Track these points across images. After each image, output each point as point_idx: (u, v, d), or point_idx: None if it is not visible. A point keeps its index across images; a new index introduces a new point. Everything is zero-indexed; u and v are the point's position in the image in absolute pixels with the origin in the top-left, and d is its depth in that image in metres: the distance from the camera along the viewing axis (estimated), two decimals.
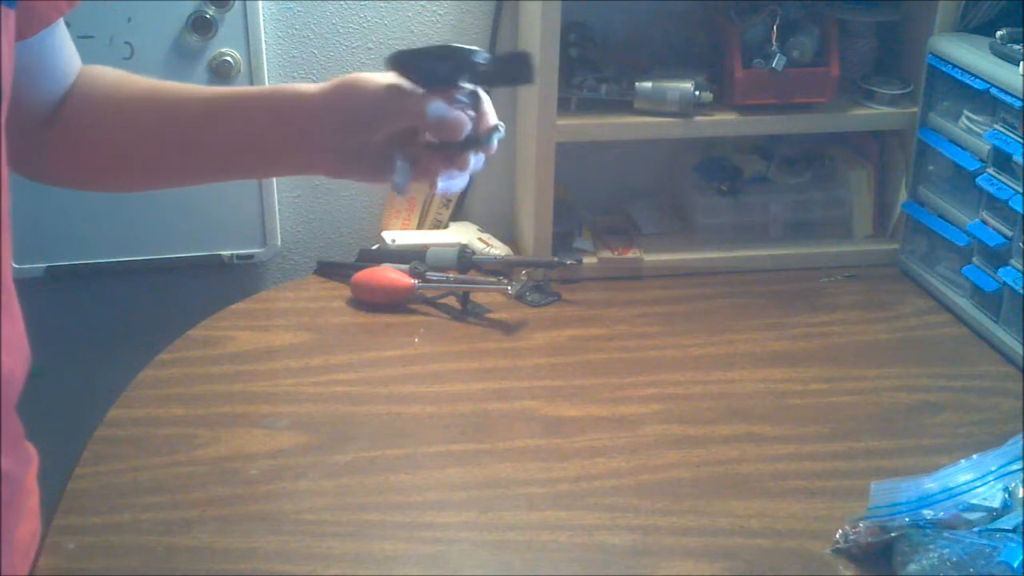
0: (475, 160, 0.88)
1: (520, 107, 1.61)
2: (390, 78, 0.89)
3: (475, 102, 0.88)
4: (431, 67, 0.87)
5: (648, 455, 1.18)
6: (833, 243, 1.62)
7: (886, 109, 1.55)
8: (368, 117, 0.88)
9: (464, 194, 1.66)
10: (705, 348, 1.39)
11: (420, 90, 0.87)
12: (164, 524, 1.06)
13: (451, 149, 0.87)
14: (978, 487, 1.01)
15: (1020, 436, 1.05)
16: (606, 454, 1.18)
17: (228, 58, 1.53)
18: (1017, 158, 1.31)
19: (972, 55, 1.41)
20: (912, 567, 0.97)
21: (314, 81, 1.60)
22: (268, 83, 1.57)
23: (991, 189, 1.36)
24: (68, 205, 1.53)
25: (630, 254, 1.57)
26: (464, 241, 1.56)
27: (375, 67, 1.61)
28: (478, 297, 1.47)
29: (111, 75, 0.95)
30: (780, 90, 1.50)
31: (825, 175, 1.65)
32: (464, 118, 0.86)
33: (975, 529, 0.98)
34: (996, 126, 1.36)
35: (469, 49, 0.87)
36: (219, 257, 1.63)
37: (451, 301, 1.47)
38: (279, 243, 1.65)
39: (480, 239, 1.59)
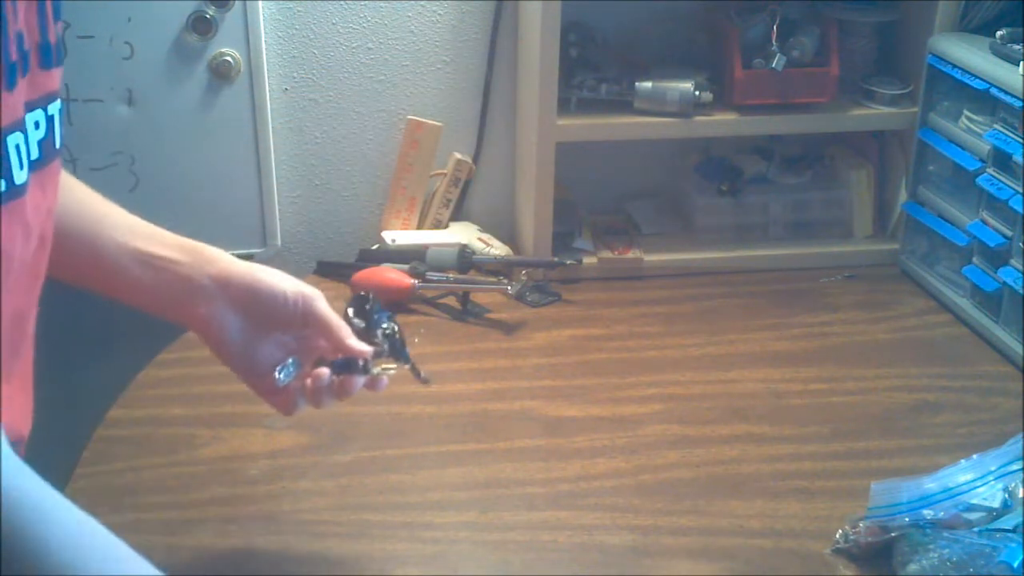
0: (356, 386, 0.95)
1: (520, 107, 1.61)
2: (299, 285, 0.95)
3: (392, 343, 0.98)
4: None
5: (648, 455, 1.18)
6: (833, 243, 1.62)
7: (886, 109, 1.55)
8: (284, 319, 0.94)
9: (464, 194, 1.66)
10: (705, 348, 1.39)
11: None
12: (165, 524, 1.06)
13: (346, 371, 0.94)
14: (978, 487, 1.01)
15: (1020, 436, 1.05)
16: (606, 454, 1.18)
17: (228, 58, 1.53)
18: (1017, 158, 1.31)
19: (972, 55, 1.41)
20: (912, 567, 0.97)
21: (314, 81, 1.60)
22: (268, 83, 1.57)
23: (991, 189, 1.36)
24: None
25: (630, 254, 1.57)
26: (464, 241, 1.56)
27: (375, 67, 1.61)
28: (478, 297, 1.47)
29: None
30: (780, 90, 1.50)
31: (825, 175, 1.65)
32: (369, 352, 0.95)
33: (975, 529, 0.98)
34: (996, 126, 1.36)
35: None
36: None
37: (451, 301, 1.47)
38: (279, 243, 1.65)
39: (480, 239, 1.59)
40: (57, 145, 0.74)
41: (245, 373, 0.96)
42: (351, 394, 0.95)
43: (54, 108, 0.73)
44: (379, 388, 0.97)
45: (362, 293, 0.99)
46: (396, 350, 0.97)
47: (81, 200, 0.90)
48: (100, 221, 0.90)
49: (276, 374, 0.93)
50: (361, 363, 0.94)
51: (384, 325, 0.97)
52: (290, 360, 0.94)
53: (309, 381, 0.94)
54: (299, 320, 0.93)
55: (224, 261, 0.92)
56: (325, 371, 0.94)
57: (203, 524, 1.06)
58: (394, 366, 0.97)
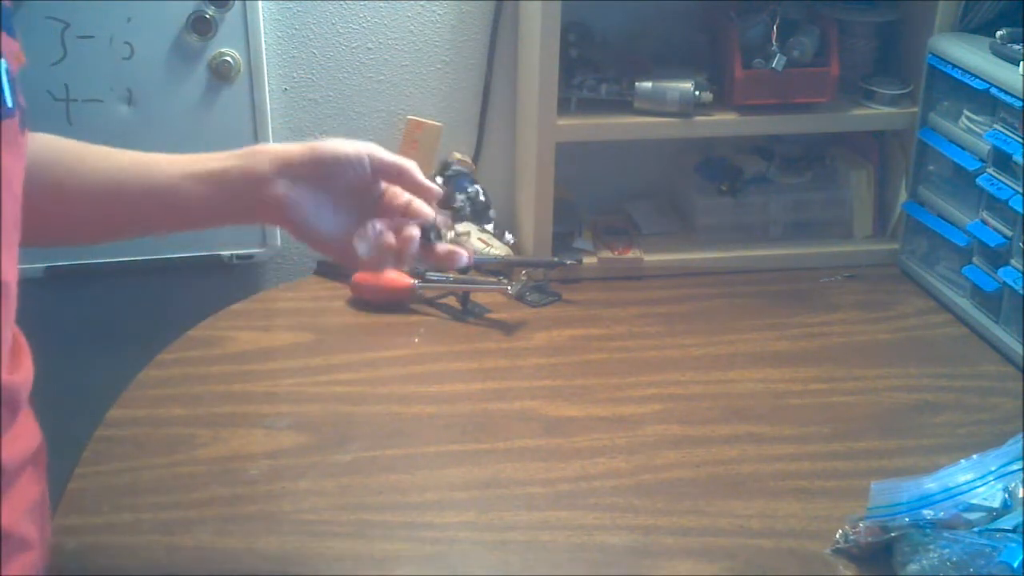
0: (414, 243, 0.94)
1: (520, 107, 1.61)
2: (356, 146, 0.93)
3: (474, 206, 0.95)
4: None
5: (648, 455, 1.18)
6: (833, 243, 1.62)
7: (886, 109, 1.55)
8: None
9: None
10: (705, 348, 1.39)
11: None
12: (164, 524, 1.06)
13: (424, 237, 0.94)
14: (978, 487, 1.01)
15: (1020, 436, 1.05)
16: (606, 454, 1.18)
17: (228, 58, 1.53)
18: (1017, 158, 1.31)
19: (972, 55, 1.41)
20: (912, 567, 0.97)
21: (314, 81, 1.60)
22: (268, 83, 1.57)
23: (991, 189, 1.36)
24: None
25: (630, 254, 1.57)
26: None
27: (375, 67, 1.61)
28: (478, 297, 1.47)
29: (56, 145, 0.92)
30: (780, 90, 1.50)
31: (825, 175, 1.65)
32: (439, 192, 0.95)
33: (975, 529, 0.98)
34: (996, 126, 1.36)
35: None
36: (219, 257, 1.63)
37: (451, 301, 1.47)
38: (279, 243, 1.65)
39: (480, 239, 1.59)
40: (9, 104, 0.74)
41: (327, 247, 0.95)
42: (434, 260, 0.95)
43: None
44: (458, 263, 0.96)
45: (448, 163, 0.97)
46: (478, 212, 0.96)
47: (109, 154, 0.91)
48: (144, 164, 0.91)
49: (357, 246, 0.92)
50: (433, 227, 0.93)
51: (468, 188, 0.95)
52: (369, 227, 0.92)
53: (394, 240, 0.93)
54: (366, 174, 0.92)
55: (277, 147, 0.92)
56: (415, 231, 0.92)
57: (203, 524, 1.06)
58: (471, 230, 0.95)
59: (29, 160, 0.81)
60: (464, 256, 0.97)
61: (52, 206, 0.89)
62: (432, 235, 0.94)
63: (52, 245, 1.03)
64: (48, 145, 0.91)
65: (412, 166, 0.94)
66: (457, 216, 0.93)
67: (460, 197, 0.95)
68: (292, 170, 0.91)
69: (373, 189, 0.95)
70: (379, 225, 0.93)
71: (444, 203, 0.93)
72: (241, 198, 0.91)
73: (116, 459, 1.15)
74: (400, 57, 1.61)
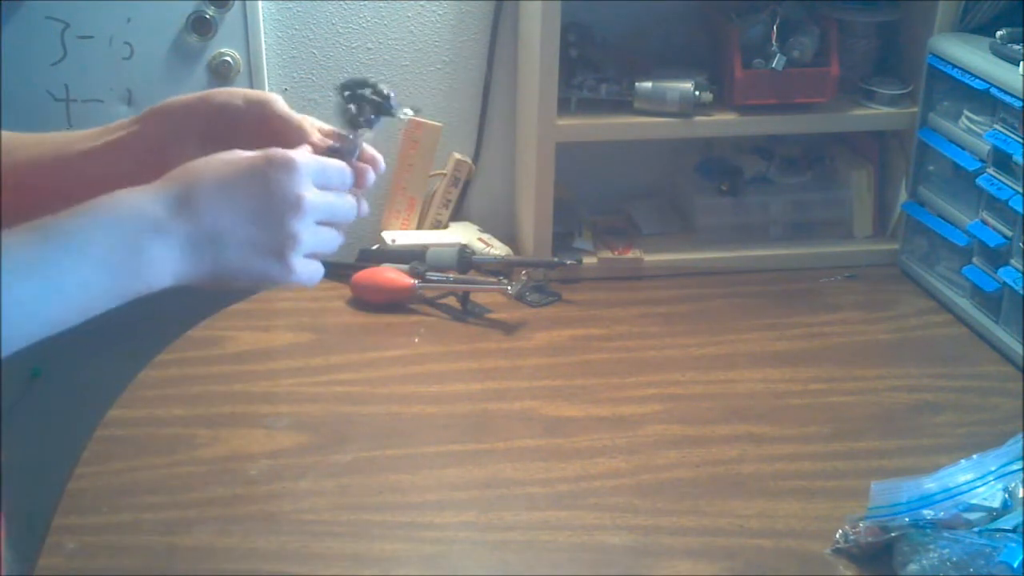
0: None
1: (520, 107, 1.61)
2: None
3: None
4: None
5: (648, 455, 1.18)
6: (833, 243, 1.62)
7: (886, 109, 1.55)
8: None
9: (464, 194, 1.66)
10: (705, 348, 1.39)
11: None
12: (164, 524, 1.06)
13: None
14: (978, 487, 1.01)
15: (1020, 436, 1.05)
16: (606, 454, 1.18)
17: (228, 58, 1.53)
18: (1017, 158, 1.31)
19: (972, 55, 1.41)
20: (912, 567, 0.97)
21: (314, 81, 1.60)
22: (268, 84, 1.57)
23: (991, 189, 1.36)
24: None
25: (630, 254, 1.57)
26: (464, 241, 1.56)
27: (375, 67, 1.61)
28: (478, 297, 1.47)
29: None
30: (780, 90, 1.50)
31: (825, 175, 1.65)
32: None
33: (975, 529, 0.98)
34: (996, 126, 1.36)
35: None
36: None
37: (451, 301, 1.47)
38: None
39: (480, 239, 1.59)
40: None
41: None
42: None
43: None
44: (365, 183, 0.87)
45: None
46: (378, 109, 0.87)
47: (36, 135, 0.89)
48: (61, 137, 0.88)
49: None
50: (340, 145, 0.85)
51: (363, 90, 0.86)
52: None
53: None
54: (258, 124, 0.87)
55: (170, 101, 0.87)
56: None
57: (203, 524, 1.06)
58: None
59: None
60: (371, 175, 0.88)
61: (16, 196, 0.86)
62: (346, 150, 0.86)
63: None
64: None
65: (307, 124, 0.88)
66: (356, 123, 0.86)
67: (350, 106, 0.87)
68: (187, 123, 0.86)
69: (267, 138, 0.86)
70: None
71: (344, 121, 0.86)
72: (145, 164, 0.85)
73: (116, 459, 1.15)
74: (400, 57, 1.61)
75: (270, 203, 0.76)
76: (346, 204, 0.82)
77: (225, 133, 0.85)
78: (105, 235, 0.72)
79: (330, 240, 0.81)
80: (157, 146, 0.86)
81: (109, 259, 0.72)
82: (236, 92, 0.88)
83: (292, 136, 0.86)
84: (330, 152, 0.85)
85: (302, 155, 0.78)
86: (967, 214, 1.43)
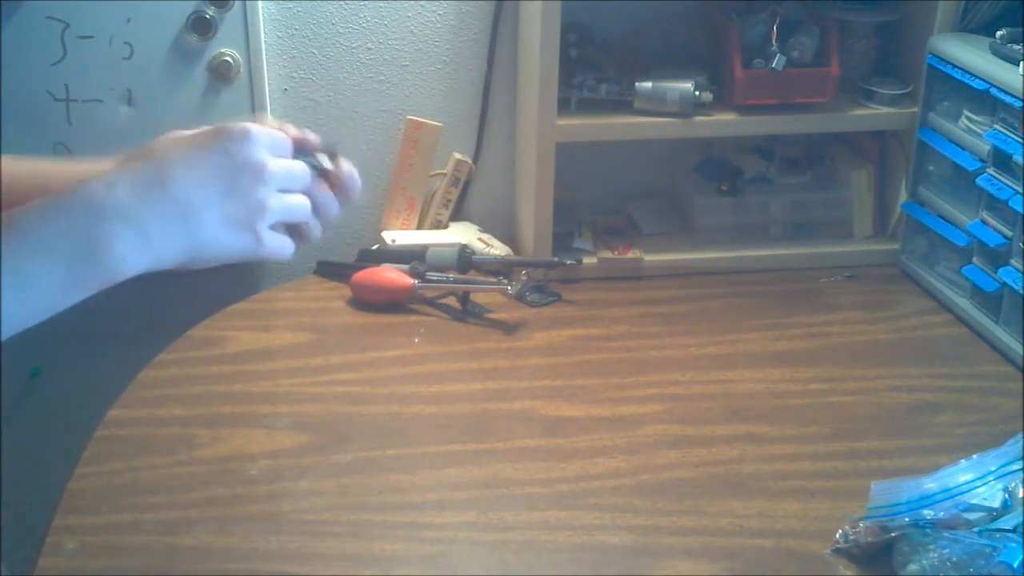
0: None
1: (520, 107, 1.61)
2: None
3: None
4: None
5: (648, 455, 1.18)
6: (833, 243, 1.62)
7: (886, 109, 1.55)
8: None
9: (464, 194, 1.66)
10: (705, 348, 1.39)
11: None
12: (164, 524, 1.06)
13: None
14: (978, 487, 1.01)
15: (1020, 436, 1.05)
16: (606, 454, 1.18)
17: (228, 58, 1.53)
18: (1017, 158, 1.31)
19: (972, 55, 1.41)
20: (912, 567, 0.97)
21: (314, 81, 1.60)
22: (268, 83, 1.57)
23: (991, 189, 1.36)
24: None
25: (630, 254, 1.57)
26: (464, 241, 1.56)
27: (375, 67, 1.61)
28: (478, 297, 1.47)
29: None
30: (780, 90, 1.50)
31: (825, 175, 1.65)
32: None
33: (975, 529, 0.98)
34: (996, 126, 1.36)
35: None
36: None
37: (451, 301, 1.47)
38: None
39: (480, 239, 1.59)
40: None
41: None
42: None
43: None
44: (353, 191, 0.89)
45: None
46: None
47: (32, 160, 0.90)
48: (65, 166, 0.90)
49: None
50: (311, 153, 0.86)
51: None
52: None
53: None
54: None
55: (176, 134, 0.87)
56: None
57: (203, 524, 1.06)
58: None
59: None
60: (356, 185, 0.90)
61: None
62: (315, 161, 0.87)
63: None
64: None
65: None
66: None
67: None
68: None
69: None
70: None
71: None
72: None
73: (116, 459, 1.15)
74: (400, 57, 1.61)
75: (235, 172, 0.76)
76: (300, 168, 0.82)
77: None
78: (66, 229, 0.72)
79: (297, 207, 0.80)
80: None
81: (72, 253, 0.72)
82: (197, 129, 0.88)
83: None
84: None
85: (254, 124, 0.79)
86: (967, 214, 1.43)
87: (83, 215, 0.72)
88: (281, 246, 0.80)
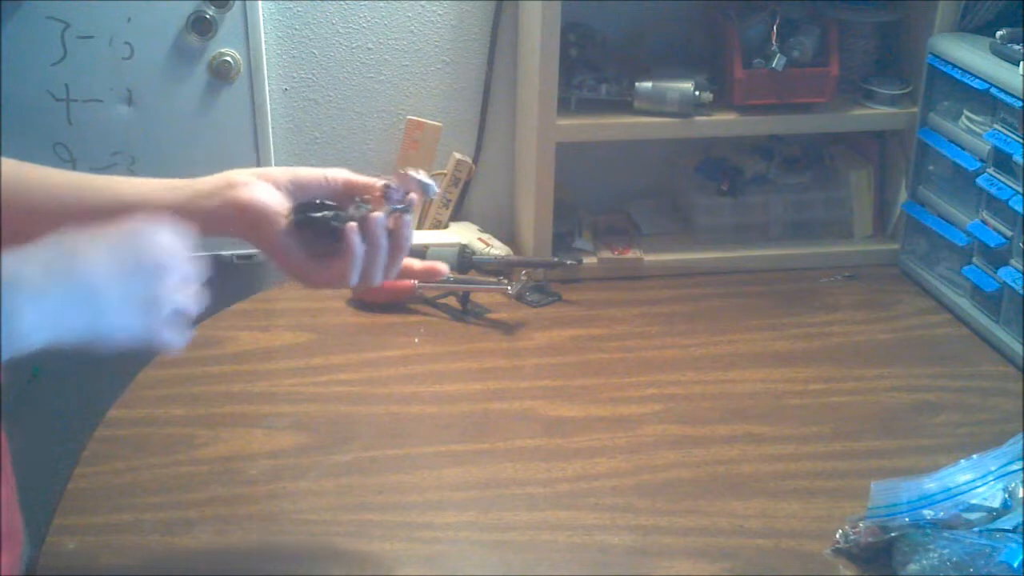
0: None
1: (520, 107, 1.61)
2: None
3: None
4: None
5: (648, 455, 1.18)
6: (833, 243, 1.62)
7: (886, 109, 1.55)
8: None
9: (464, 194, 1.66)
10: (705, 348, 1.39)
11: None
12: (164, 524, 1.06)
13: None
14: (978, 487, 1.01)
15: (1020, 436, 1.05)
16: (606, 454, 1.18)
17: (228, 58, 1.53)
18: (1017, 158, 1.31)
19: (972, 55, 1.41)
20: (912, 567, 0.97)
21: (314, 81, 1.60)
22: (268, 83, 1.57)
23: (991, 189, 1.36)
24: None
25: (630, 254, 1.57)
26: (464, 241, 1.56)
27: (375, 67, 1.61)
28: (478, 297, 1.47)
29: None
30: (780, 90, 1.50)
31: (825, 175, 1.65)
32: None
33: (975, 529, 0.98)
34: (996, 126, 1.36)
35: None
36: (219, 257, 1.63)
37: (451, 301, 1.47)
38: None
39: (480, 239, 1.59)
40: None
41: (295, 257, 0.93)
42: (404, 236, 0.94)
43: None
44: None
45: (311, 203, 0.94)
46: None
47: (83, 178, 0.93)
48: (115, 184, 0.93)
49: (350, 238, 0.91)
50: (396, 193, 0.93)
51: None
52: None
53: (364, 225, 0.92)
54: (343, 194, 0.94)
55: (257, 168, 0.94)
56: (378, 214, 0.92)
57: (203, 524, 1.06)
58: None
59: None
60: (443, 269, 0.99)
61: (12, 230, 0.89)
62: (399, 202, 0.93)
63: None
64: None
65: (379, 184, 0.94)
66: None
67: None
68: (270, 178, 0.92)
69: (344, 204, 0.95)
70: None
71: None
72: (216, 204, 0.91)
73: (116, 459, 1.15)
74: (400, 57, 1.61)
75: (140, 264, 0.79)
76: (195, 267, 0.85)
77: (305, 193, 0.93)
78: None
79: (192, 302, 0.84)
80: (233, 185, 0.92)
81: None
82: (319, 168, 0.95)
83: (370, 196, 0.93)
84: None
85: (162, 224, 0.83)
86: (967, 214, 1.43)
87: (5, 287, 0.73)
88: (175, 337, 0.83)
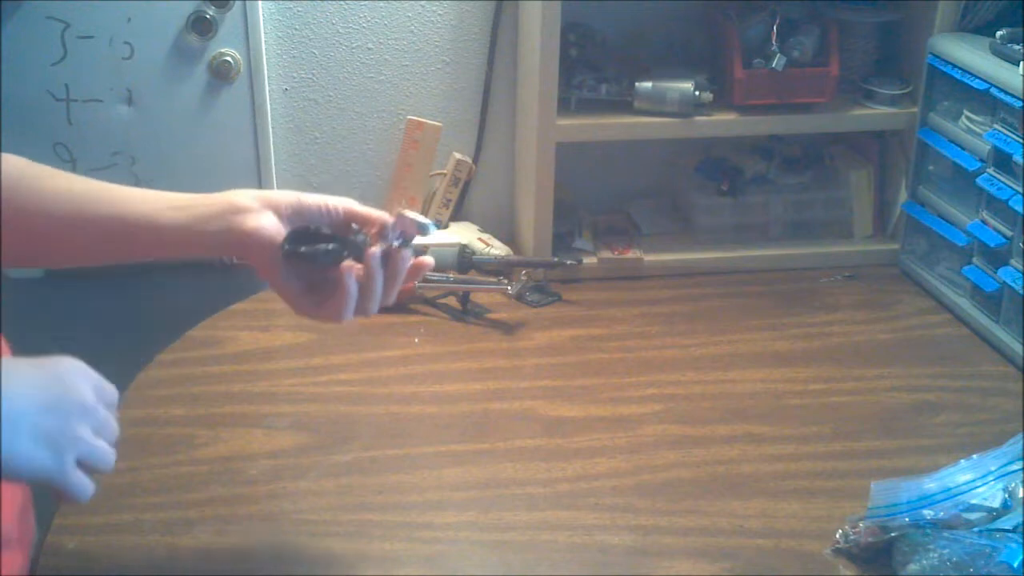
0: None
1: (520, 107, 1.61)
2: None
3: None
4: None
5: (648, 455, 1.18)
6: (833, 243, 1.62)
7: (886, 109, 1.55)
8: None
9: (464, 194, 1.66)
10: (705, 348, 1.39)
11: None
12: (164, 524, 1.06)
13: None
14: (978, 487, 1.01)
15: (1020, 436, 1.05)
16: (606, 454, 1.18)
17: (228, 58, 1.53)
18: (1017, 158, 1.31)
19: (972, 55, 1.41)
20: (912, 567, 0.97)
21: (314, 81, 1.60)
22: (268, 83, 1.57)
23: (991, 189, 1.36)
24: None
25: (630, 254, 1.57)
26: (464, 241, 1.56)
27: (375, 67, 1.61)
28: (478, 297, 1.47)
29: (19, 165, 0.92)
30: (780, 90, 1.50)
31: (825, 175, 1.65)
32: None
33: (975, 529, 0.98)
34: (996, 126, 1.36)
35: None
36: (220, 257, 1.63)
37: (451, 301, 1.47)
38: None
39: (480, 239, 1.59)
40: None
41: (292, 288, 0.94)
42: (398, 275, 0.94)
43: None
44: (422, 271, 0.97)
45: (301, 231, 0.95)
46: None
47: (87, 183, 0.92)
48: (122, 195, 0.92)
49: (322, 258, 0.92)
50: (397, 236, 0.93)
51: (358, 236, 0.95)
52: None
53: (360, 268, 0.93)
54: (343, 224, 0.94)
55: (261, 191, 0.94)
56: (374, 251, 0.92)
57: (203, 524, 1.06)
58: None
59: None
60: (428, 263, 0.98)
61: (15, 227, 0.89)
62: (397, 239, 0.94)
63: (18, 266, 1.03)
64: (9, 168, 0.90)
65: (386, 219, 0.94)
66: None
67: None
68: (273, 205, 0.92)
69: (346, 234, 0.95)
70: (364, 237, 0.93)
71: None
72: (218, 229, 0.91)
73: (116, 459, 1.15)
74: (400, 57, 1.61)
75: (62, 399, 0.79)
76: (114, 422, 0.86)
77: (308, 222, 0.93)
78: None
79: (105, 454, 0.84)
80: (238, 210, 0.91)
81: None
82: (323, 196, 0.95)
83: (371, 227, 0.94)
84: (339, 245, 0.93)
85: (79, 363, 0.82)
86: (967, 214, 1.44)
87: None
88: (83, 483, 0.82)
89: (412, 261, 0.96)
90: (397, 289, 0.96)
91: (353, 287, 0.92)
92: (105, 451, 0.83)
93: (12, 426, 0.74)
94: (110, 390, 0.85)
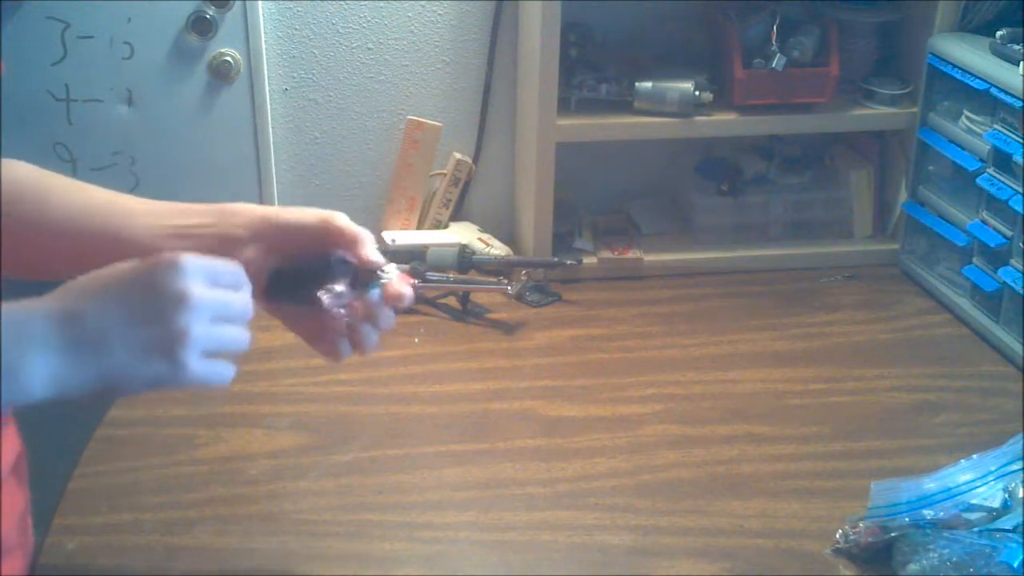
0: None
1: (520, 107, 1.61)
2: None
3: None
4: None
5: (648, 455, 1.18)
6: (833, 243, 1.62)
7: (886, 109, 1.55)
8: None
9: (464, 194, 1.66)
10: (705, 348, 1.39)
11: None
12: (164, 524, 1.06)
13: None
14: (978, 487, 1.01)
15: (1020, 436, 1.05)
16: (606, 454, 1.18)
17: (228, 58, 1.53)
18: (1017, 158, 1.31)
19: (972, 55, 1.41)
20: (912, 567, 0.97)
21: (314, 81, 1.60)
22: (268, 83, 1.57)
23: (991, 189, 1.36)
24: None
25: (630, 254, 1.57)
26: (464, 241, 1.56)
27: (375, 67, 1.61)
28: (478, 297, 1.47)
29: (23, 170, 0.91)
30: (780, 90, 1.50)
31: (825, 175, 1.65)
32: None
33: (975, 529, 0.98)
34: (996, 126, 1.36)
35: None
36: None
37: (451, 301, 1.47)
38: None
39: (480, 239, 1.59)
40: None
41: (288, 316, 0.95)
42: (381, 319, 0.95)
43: None
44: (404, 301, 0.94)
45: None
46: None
47: (90, 198, 0.90)
48: (121, 214, 0.90)
49: (321, 296, 0.91)
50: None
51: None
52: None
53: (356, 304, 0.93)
54: (323, 240, 0.91)
55: (247, 210, 0.91)
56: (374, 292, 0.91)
57: (203, 524, 1.06)
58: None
59: None
60: (408, 293, 0.94)
61: (17, 238, 0.88)
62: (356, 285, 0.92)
63: (17, 276, 1.02)
64: (13, 175, 0.89)
65: (366, 241, 0.91)
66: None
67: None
68: (260, 235, 0.90)
69: (331, 252, 0.93)
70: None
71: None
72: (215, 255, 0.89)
73: (116, 459, 1.15)
74: (400, 57, 1.61)
75: (153, 301, 0.76)
76: (240, 300, 0.81)
77: (293, 245, 0.90)
78: None
79: (233, 338, 0.80)
80: (231, 244, 0.89)
81: None
82: (306, 211, 0.91)
83: (349, 247, 0.91)
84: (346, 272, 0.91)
85: (188, 255, 0.78)
86: (967, 214, 1.43)
87: (10, 339, 0.72)
88: (214, 372, 0.79)
89: (385, 294, 0.93)
90: (377, 330, 0.96)
91: (347, 350, 0.96)
92: (230, 334, 0.79)
93: (107, 351, 0.73)
94: (228, 272, 0.81)
